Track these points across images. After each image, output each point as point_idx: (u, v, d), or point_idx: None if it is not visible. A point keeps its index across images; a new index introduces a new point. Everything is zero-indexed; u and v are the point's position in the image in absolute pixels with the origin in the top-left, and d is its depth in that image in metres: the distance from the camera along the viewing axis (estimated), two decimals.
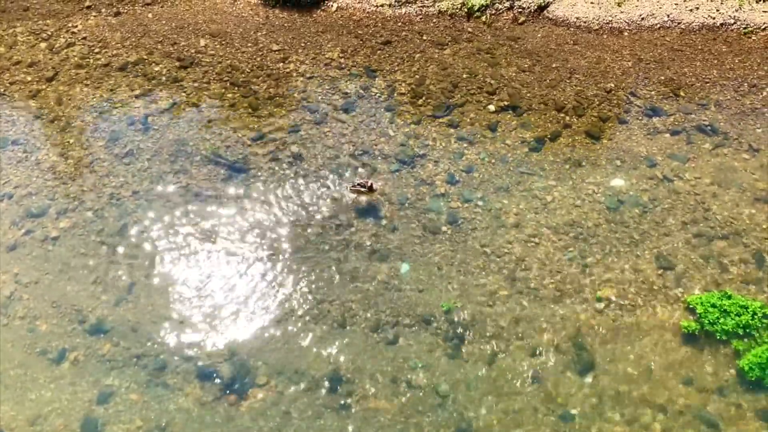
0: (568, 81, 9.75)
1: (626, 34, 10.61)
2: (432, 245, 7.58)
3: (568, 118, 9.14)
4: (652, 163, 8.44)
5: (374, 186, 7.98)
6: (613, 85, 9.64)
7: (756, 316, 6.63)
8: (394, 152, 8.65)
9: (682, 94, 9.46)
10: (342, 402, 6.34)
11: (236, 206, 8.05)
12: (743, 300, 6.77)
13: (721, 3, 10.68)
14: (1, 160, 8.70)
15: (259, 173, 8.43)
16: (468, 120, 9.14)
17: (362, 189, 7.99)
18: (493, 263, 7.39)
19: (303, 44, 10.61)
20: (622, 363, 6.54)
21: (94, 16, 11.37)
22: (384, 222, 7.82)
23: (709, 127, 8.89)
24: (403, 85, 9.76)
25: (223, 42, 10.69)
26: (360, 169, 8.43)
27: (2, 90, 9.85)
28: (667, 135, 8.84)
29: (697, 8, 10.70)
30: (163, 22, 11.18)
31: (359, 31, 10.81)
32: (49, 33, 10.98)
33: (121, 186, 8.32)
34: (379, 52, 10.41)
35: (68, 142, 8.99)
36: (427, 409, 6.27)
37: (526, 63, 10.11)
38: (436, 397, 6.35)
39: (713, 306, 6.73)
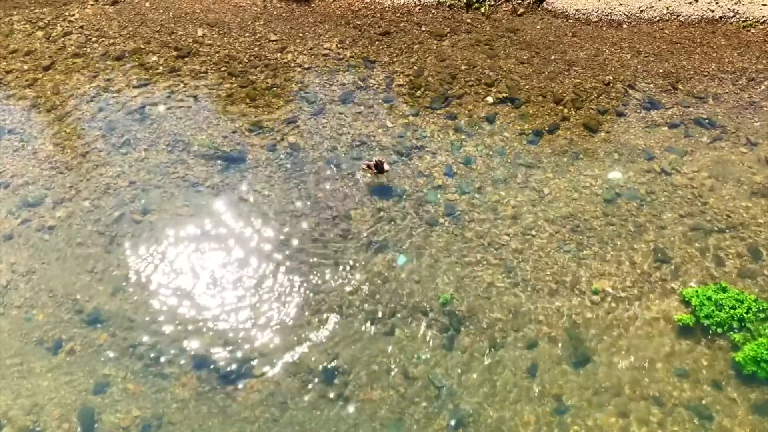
0: (566, 73, 9.73)
1: (625, 26, 10.58)
2: (429, 237, 7.58)
3: (566, 110, 9.13)
4: (649, 156, 8.44)
5: (385, 166, 7.93)
6: (611, 78, 9.62)
7: (751, 310, 6.65)
8: (391, 144, 8.64)
9: (680, 87, 9.44)
10: (338, 392, 6.35)
11: (233, 197, 8.03)
12: (738, 293, 6.79)
13: None
14: None
15: (257, 164, 8.41)
16: (466, 112, 9.13)
17: (372, 168, 7.96)
18: (490, 255, 7.40)
19: (301, 34, 10.56)
20: (618, 355, 6.56)
21: (92, 5, 11.30)
22: (381, 213, 7.81)
23: (707, 121, 8.88)
24: (402, 76, 9.73)
25: (221, 32, 10.64)
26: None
27: None
28: (665, 128, 8.83)
29: (696, 1, 10.67)
30: (161, 11, 11.13)
31: (357, 22, 10.77)
32: (46, 21, 10.92)
33: (118, 176, 8.30)
34: (377, 42, 10.37)
35: (65, 131, 8.95)
36: (423, 400, 6.29)
37: (524, 55, 10.08)
38: (432, 388, 6.37)
39: (709, 299, 6.74)
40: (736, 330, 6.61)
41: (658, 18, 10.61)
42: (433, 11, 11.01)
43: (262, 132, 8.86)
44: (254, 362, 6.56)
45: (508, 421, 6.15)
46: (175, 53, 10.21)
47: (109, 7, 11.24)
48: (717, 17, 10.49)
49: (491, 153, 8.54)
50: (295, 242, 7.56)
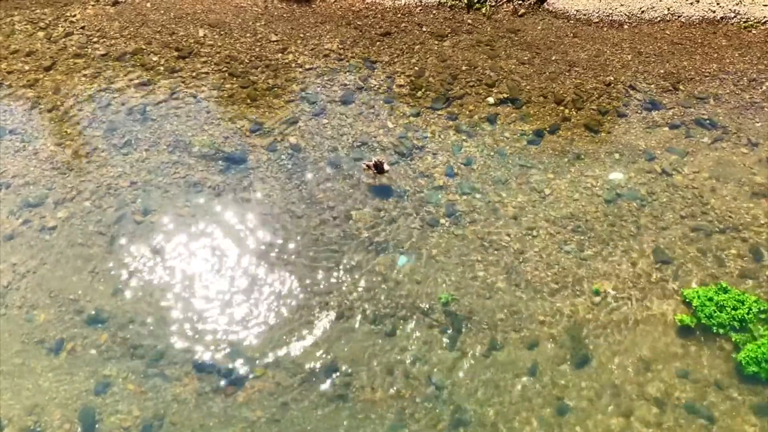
0: (567, 74, 9.73)
1: (626, 27, 10.58)
2: (430, 237, 7.58)
3: (567, 111, 9.13)
4: (650, 156, 8.43)
5: (385, 167, 7.93)
6: (612, 78, 9.62)
7: (752, 311, 6.65)
8: (392, 144, 8.64)
9: (681, 87, 9.44)
10: (339, 393, 6.35)
11: (234, 197, 8.04)
12: (739, 294, 6.79)
13: None
14: None
15: (258, 164, 8.41)
16: (467, 112, 9.13)
17: (372, 169, 7.96)
18: (491, 255, 7.40)
19: (302, 35, 10.57)
20: (619, 356, 6.55)
21: (93, 6, 11.31)
22: (382, 214, 7.81)
23: (708, 121, 8.88)
24: (402, 76, 9.73)
25: (222, 32, 10.65)
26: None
27: (0, 79, 9.81)
28: (666, 129, 8.83)
29: (698, 1, 10.67)
30: (162, 11, 11.14)
31: (358, 23, 10.78)
32: (47, 22, 10.93)
33: (119, 176, 8.30)
34: (378, 43, 10.37)
35: (66, 131, 8.96)
36: (424, 401, 6.29)
37: (525, 55, 10.09)
38: (433, 388, 6.37)
39: (710, 300, 6.74)
40: (737, 330, 6.61)
41: (659, 18, 10.62)
42: (434, 12, 11.01)
43: (263, 132, 8.87)
44: (255, 362, 6.56)
45: (509, 422, 6.15)
46: (176, 54, 10.21)
47: (110, 8, 11.25)
48: (718, 18, 10.49)
49: (492, 153, 8.54)
50: (295, 242, 7.56)
